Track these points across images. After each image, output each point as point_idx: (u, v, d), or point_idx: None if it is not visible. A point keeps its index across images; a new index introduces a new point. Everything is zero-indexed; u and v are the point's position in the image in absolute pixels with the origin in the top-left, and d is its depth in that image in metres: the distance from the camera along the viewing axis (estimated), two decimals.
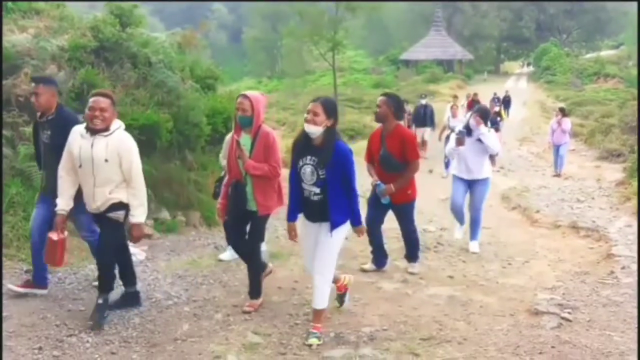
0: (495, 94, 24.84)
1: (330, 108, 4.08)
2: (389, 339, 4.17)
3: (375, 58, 56.15)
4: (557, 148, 13.61)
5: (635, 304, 4.81)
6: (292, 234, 4.40)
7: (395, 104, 5.57)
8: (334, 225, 4.13)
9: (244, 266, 5.85)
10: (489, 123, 6.95)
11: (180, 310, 4.62)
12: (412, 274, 5.77)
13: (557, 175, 13.27)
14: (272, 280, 5.31)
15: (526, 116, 26.81)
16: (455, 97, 18.51)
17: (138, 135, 7.61)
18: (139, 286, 4.87)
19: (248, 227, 4.77)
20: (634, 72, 34.35)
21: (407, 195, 5.66)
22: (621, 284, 5.42)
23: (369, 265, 5.91)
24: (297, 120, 23.17)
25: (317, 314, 4.23)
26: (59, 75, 7.31)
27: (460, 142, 6.60)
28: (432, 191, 11.31)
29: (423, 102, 16.19)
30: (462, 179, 6.83)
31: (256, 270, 4.77)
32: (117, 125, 4.34)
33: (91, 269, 5.66)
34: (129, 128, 7.57)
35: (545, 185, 11.55)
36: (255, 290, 4.77)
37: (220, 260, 6.07)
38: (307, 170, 4.12)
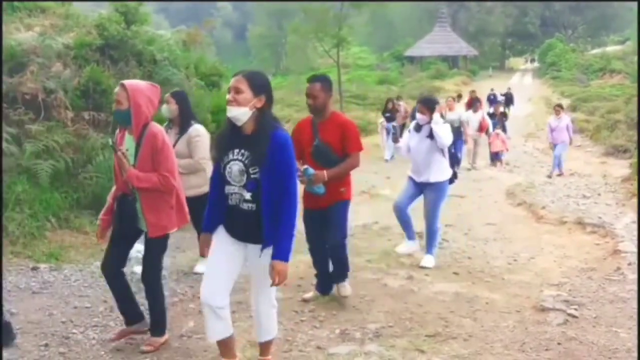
0: (492, 89, 24.59)
1: (258, 83, 3.08)
2: (394, 336, 4.17)
3: (380, 54, 56.06)
4: (555, 147, 13.10)
5: None
6: (204, 249, 3.34)
7: (331, 87, 4.62)
8: (269, 245, 3.12)
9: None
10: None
11: (186, 307, 4.64)
12: (344, 297, 4.76)
13: (559, 174, 12.77)
14: None
15: (531, 112, 26.70)
16: (459, 96, 18.28)
17: None
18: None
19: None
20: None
21: (340, 194, 4.62)
22: (627, 280, 5.39)
23: (311, 294, 4.93)
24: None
25: (267, 346, 3.52)
26: (65, 73, 7.34)
27: (394, 138, 5.98)
28: None
29: None
30: (413, 180, 6.12)
31: (155, 301, 3.88)
32: None
33: (97, 265, 5.69)
34: None
35: (551, 182, 11.51)
36: (158, 325, 3.92)
37: (196, 273, 5.41)
38: (235, 168, 3.10)
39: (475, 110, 13.68)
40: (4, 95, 6.58)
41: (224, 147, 3.18)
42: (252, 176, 3.07)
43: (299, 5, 26.72)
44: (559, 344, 4.04)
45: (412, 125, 6.16)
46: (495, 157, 14.23)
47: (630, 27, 54.06)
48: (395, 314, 4.60)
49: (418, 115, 5.94)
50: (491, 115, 15.00)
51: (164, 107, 5.12)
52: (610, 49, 52.87)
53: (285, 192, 3.07)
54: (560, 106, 13.80)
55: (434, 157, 5.87)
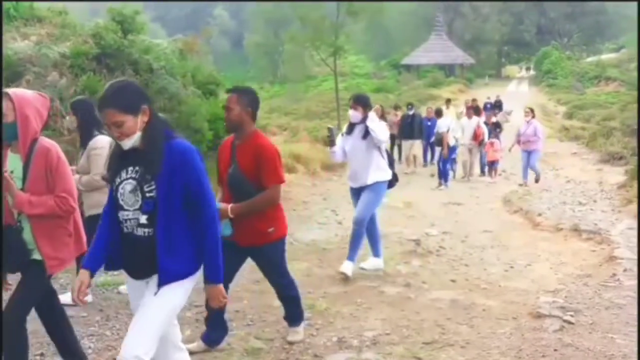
0: (489, 97, 24.71)
1: (130, 101, 2.56)
2: (391, 343, 4.17)
3: (377, 63, 56.28)
4: (527, 154, 12.27)
5: (638, 307, 4.80)
6: (80, 291, 2.63)
7: (252, 102, 3.84)
8: (165, 278, 2.58)
9: (246, 271, 5.86)
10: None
11: (182, 316, 4.61)
12: (291, 343, 4.14)
13: (523, 184, 12.16)
14: None
15: None
16: (449, 100, 17.99)
17: None
18: None
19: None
20: (635, 74, 34.39)
21: (267, 235, 3.86)
22: (623, 287, 5.40)
23: (195, 345, 3.97)
24: (299, 125, 23.22)
25: None
26: (61, 82, 7.36)
27: (330, 140, 5.53)
28: (434, 195, 11.33)
29: (410, 112, 14.95)
30: (353, 189, 5.75)
31: (15, 346, 3.11)
32: None
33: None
34: None
35: (547, 189, 11.53)
36: None
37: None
38: (127, 188, 2.62)
39: (469, 117, 13.31)
40: None
41: (115, 167, 2.70)
42: (147, 195, 2.58)
43: (295, 13, 26.78)
44: (555, 350, 4.04)
45: (344, 128, 5.75)
46: (490, 166, 13.77)
47: (625, 35, 54.49)
48: (392, 321, 4.60)
49: (351, 112, 5.53)
50: (484, 123, 14.30)
51: (67, 119, 4.79)
52: (606, 56, 53.25)
53: (202, 205, 2.63)
54: (531, 110, 12.84)
55: (372, 158, 5.50)
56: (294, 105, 33.69)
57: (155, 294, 2.59)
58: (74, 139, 7.09)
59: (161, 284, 2.58)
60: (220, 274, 2.68)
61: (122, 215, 2.65)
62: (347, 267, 5.59)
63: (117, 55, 8.28)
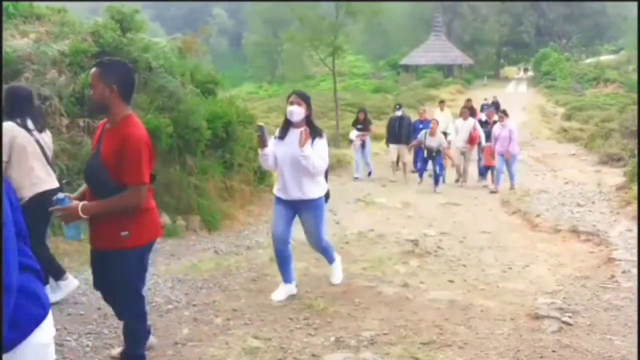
0: (485, 99, 24.66)
1: None
2: (389, 343, 4.16)
3: (376, 63, 56.39)
4: (502, 158, 11.84)
5: (636, 308, 4.80)
6: None
7: (119, 78, 3.18)
8: None
9: (244, 270, 5.87)
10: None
11: (180, 315, 4.62)
12: None
13: (489, 186, 11.99)
14: (272, 284, 5.31)
15: (526, 121, 26.82)
16: (442, 102, 17.14)
17: None
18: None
19: None
20: (634, 77, 34.54)
21: (118, 240, 3.19)
22: (622, 288, 5.41)
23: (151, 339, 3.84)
24: None
25: None
26: (60, 80, 7.34)
27: (261, 141, 4.67)
28: (431, 196, 11.33)
29: (398, 113, 13.55)
30: (281, 200, 4.88)
31: None
32: None
33: (91, 273, 5.67)
34: None
35: (546, 190, 11.54)
36: None
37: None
38: None
39: (465, 118, 12.70)
40: None
41: None
42: None
43: (294, 13, 26.78)
44: (553, 351, 4.04)
45: (277, 131, 4.91)
46: (486, 170, 12.92)
47: (624, 37, 54.63)
48: (390, 321, 4.59)
49: (293, 109, 4.66)
50: (485, 123, 13.56)
51: None
52: (604, 58, 53.42)
53: None
54: (504, 112, 12.40)
55: (308, 172, 4.70)
56: None
57: None
58: (72, 137, 7.09)
59: None
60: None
61: None
62: (336, 275, 5.46)
63: (116, 53, 8.25)
